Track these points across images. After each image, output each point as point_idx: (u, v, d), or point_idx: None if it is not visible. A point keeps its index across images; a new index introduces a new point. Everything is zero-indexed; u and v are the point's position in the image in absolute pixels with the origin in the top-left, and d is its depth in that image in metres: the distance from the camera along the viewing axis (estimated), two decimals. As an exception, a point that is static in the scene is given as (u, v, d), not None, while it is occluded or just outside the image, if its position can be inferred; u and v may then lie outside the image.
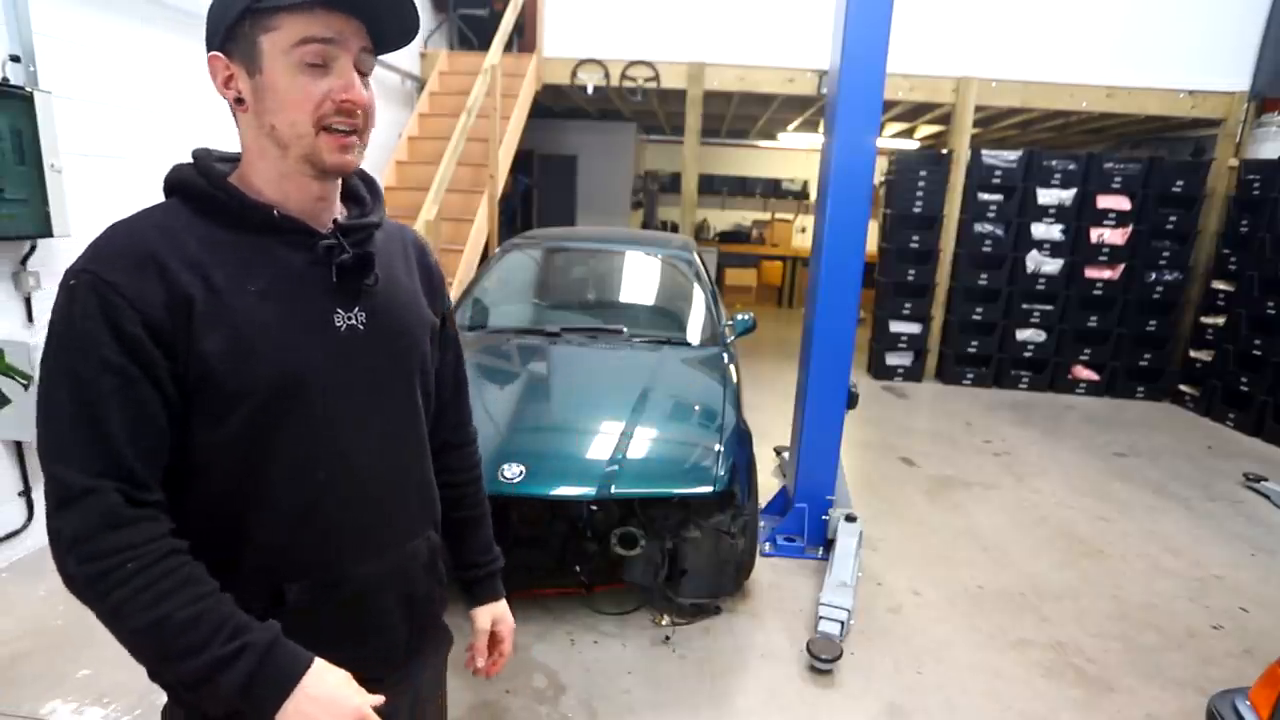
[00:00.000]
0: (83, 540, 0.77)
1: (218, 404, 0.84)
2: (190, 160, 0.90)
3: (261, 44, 0.82)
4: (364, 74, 0.87)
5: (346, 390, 0.92)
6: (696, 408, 2.99)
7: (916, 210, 6.64)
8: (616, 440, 2.65)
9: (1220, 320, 6.14)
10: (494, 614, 1.23)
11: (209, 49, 0.86)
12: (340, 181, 0.94)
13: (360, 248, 0.92)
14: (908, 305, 6.81)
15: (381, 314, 0.96)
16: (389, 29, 0.87)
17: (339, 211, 0.96)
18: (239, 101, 0.85)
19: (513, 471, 2.43)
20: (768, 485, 3.86)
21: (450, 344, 1.15)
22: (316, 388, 0.89)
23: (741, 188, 12.36)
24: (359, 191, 1.01)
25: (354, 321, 0.92)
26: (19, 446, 2.98)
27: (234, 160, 0.92)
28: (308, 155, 0.85)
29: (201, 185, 0.87)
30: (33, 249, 2.88)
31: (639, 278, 4.15)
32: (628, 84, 6.57)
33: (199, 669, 0.78)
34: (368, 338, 0.94)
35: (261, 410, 0.85)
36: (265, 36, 0.81)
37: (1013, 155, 6.42)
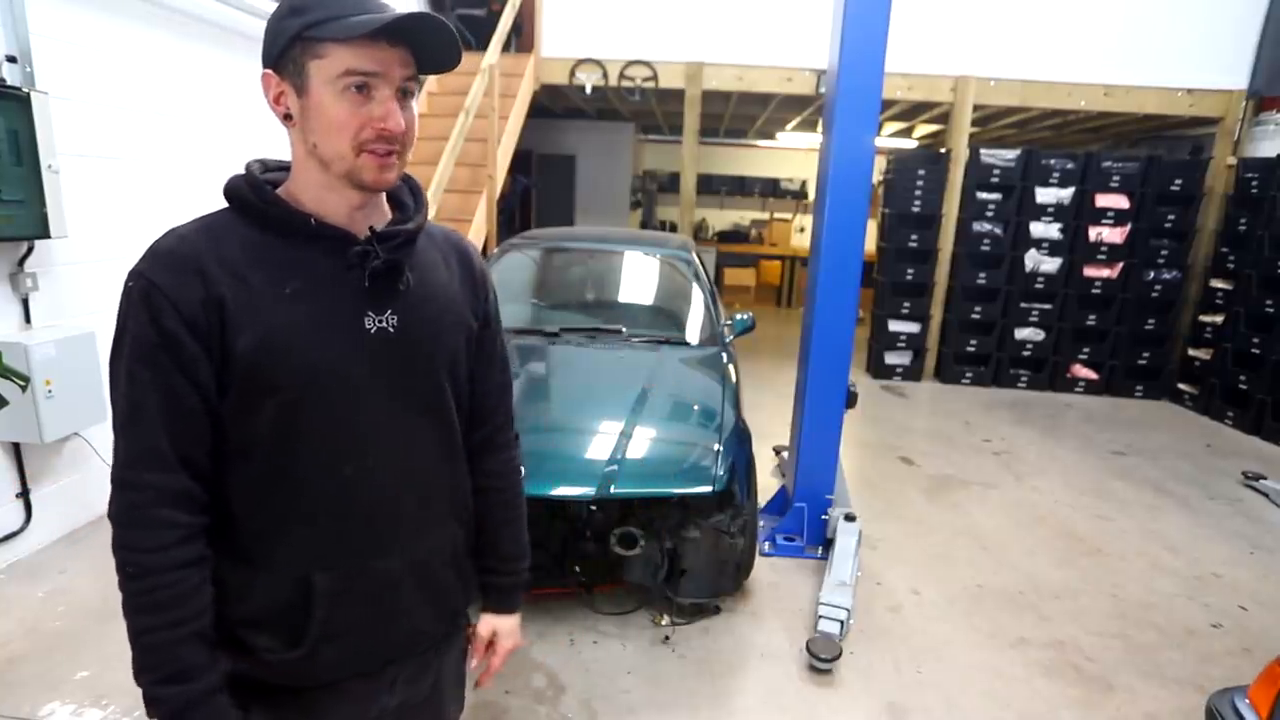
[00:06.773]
0: (116, 525, 0.89)
1: (251, 395, 0.90)
2: (244, 171, 0.96)
3: (309, 69, 0.87)
4: (408, 95, 0.91)
5: (374, 389, 0.96)
6: (695, 407, 2.99)
7: (915, 209, 6.65)
8: (615, 440, 2.65)
9: (1219, 319, 6.15)
10: (495, 625, 1.20)
11: (264, 66, 0.91)
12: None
13: (395, 253, 0.95)
14: (906, 304, 6.81)
15: (414, 317, 0.99)
16: (432, 57, 0.92)
17: (382, 217, 0.99)
18: (287, 117, 0.91)
19: (512, 472, 2.43)
20: (767, 485, 3.86)
21: (493, 346, 1.15)
22: (343, 385, 0.94)
23: (740, 187, 12.36)
24: (403, 197, 1.04)
25: (385, 324, 0.96)
26: (17, 448, 2.96)
27: (287, 169, 0.97)
28: (348, 174, 0.91)
29: (247, 194, 0.92)
30: (30, 250, 2.86)
31: (638, 278, 4.14)
32: (626, 84, 6.57)
33: (141, 686, 0.88)
34: (398, 340, 0.97)
35: (291, 404, 0.91)
36: (313, 63, 0.87)
37: (1011, 154, 6.43)
